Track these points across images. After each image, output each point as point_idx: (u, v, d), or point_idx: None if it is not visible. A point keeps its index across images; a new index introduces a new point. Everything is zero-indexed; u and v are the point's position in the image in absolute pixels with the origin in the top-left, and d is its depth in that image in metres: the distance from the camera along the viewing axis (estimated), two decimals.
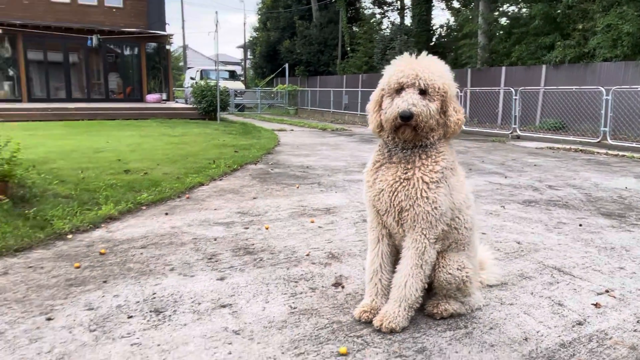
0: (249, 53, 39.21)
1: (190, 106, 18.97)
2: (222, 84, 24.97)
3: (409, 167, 2.08)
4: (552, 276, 2.79)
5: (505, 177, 6.23)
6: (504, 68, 15.99)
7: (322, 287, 2.60)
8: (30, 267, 2.80)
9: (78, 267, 2.80)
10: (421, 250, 2.11)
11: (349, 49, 26.53)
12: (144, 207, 4.32)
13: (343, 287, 2.60)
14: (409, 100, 1.97)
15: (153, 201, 4.49)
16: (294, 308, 2.33)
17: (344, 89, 22.25)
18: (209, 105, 17.43)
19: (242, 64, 44.52)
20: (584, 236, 3.59)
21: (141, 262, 2.92)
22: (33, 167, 4.88)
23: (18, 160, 4.20)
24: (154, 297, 2.41)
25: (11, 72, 20.28)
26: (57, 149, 8.00)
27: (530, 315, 2.29)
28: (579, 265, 2.96)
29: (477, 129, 13.78)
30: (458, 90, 2.18)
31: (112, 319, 2.17)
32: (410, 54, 2.12)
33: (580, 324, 2.22)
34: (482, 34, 17.61)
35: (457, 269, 2.20)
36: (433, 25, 24.19)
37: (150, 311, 2.25)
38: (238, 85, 26.66)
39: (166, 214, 4.13)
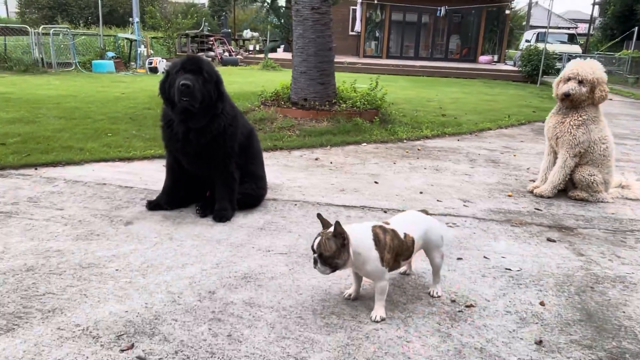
0: (595, 11, 36.22)
1: (516, 69, 20.54)
2: (559, 48, 25.10)
3: (565, 116, 4.17)
4: None
5: None
6: None
7: (522, 180, 4.87)
8: (387, 148, 6.01)
9: (407, 152, 5.84)
10: (564, 159, 4.20)
11: None
12: (446, 136, 7.12)
13: (533, 182, 4.81)
14: (570, 86, 4.06)
15: (452, 133, 7.24)
16: (500, 182, 4.74)
17: None
18: (533, 69, 18.63)
19: (593, 23, 41.23)
20: None
21: (435, 155, 5.76)
22: (392, 104, 8.26)
23: (386, 100, 7.58)
24: (436, 167, 5.21)
25: (377, 34, 25.92)
26: (403, 96, 11.57)
27: (631, 209, 4.07)
28: None
29: None
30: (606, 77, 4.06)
31: (418, 168, 5.09)
32: (583, 58, 4.13)
33: None
34: None
35: (588, 174, 4.18)
36: None
37: (434, 169, 5.07)
38: (575, 49, 26.04)
39: (458, 140, 6.83)
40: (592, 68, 4.06)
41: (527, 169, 5.33)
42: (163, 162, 3.89)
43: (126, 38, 15.80)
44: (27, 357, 1.87)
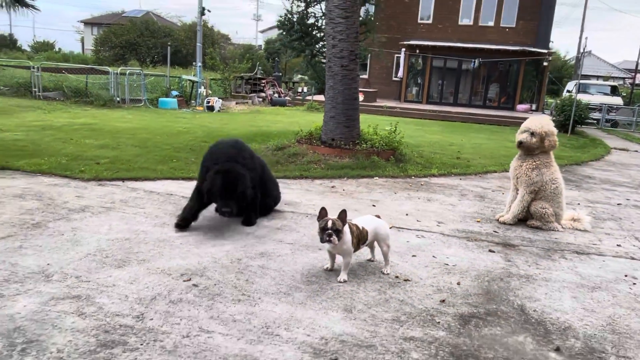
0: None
1: (550, 118, 21.30)
2: (600, 99, 25.74)
3: (523, 161, 5.33)
4: (612, 229, 5.24)
5: None
6: None
7: (496, 212, 5.98)
8: (395, 182, 7.26)
9: (410, 186, 7.07)
10: (522, 195, 5.34)
11: None
12: (452, 175, 8.28)
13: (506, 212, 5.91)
14: (522, 137, 5.26)
15: (458, 173, 8.40)
16: (477, 212, 5.88)
17: None
18: (566, 119, 19.40)
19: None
20: None
21: (433, 190, 6.95)
22: (406, 146, 9.53)
23: (402, 142, 8.87)
24: (429, 198, 6.40)
25: (419, 81, 27.41)
26: (428, 140, 12.81)
27: (574, 237, 5.12)
28: None
29: None
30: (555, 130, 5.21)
31: (413, 198, 6.31)
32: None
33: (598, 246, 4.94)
34: None
35: (540, 207, 5.28)
36: None
37: (426, 199, 6.27)
38: (616, 101, 26.48)
39: (460, 179, 7.99)
40: (542, 123, 5.25)
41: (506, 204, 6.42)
42: None
43: (189, 79, 18.00)
44: (130, 279, 3.26)
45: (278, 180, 6.58)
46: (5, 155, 6.74)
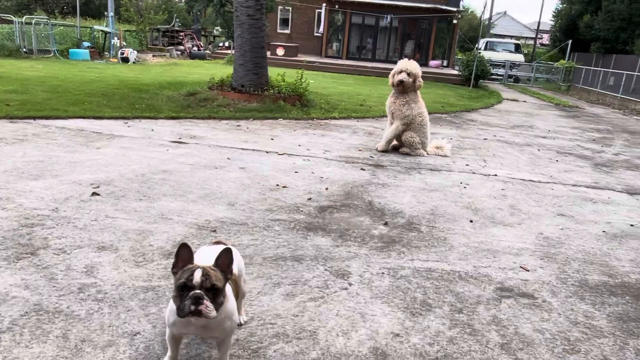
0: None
1: (457, 73, 23.00)
2: (505, 56, 27.93)
3: (396, 98, 6.32)
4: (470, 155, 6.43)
5: None
6: None
7: (376, 142, 6.98)
8: (297, 123, 8.07)
9: (310, 126, 7.91)
10: (397, 125, 6.35)
11: None
12: (352, 118, 9.21)
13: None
14: (403, 76, 6.21)
15: (357, 116, 9.35)
16: (361, 144, 6.85)
17: (636, 73, 21.34)
18: (470, 74, 21.08)
19: (545, 35, 44.44)
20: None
21: (329, 128, 7.83)
22: (313, 92, 10.34)
23: (309, 89, 9.65)
24: (323, 134, 7.29)
25: (339, 36, 28.13)
26: (340, 90, 13.70)
27: (433, 160, 6.23)
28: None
29: None
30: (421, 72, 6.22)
31: (309, 135, 7.16)
32: (409, 59, 6.29)
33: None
34: None
35: (410, 136, 6.34)
36: None
37: (320, 135, 7.15)
38: (517, 57, 28.83)
39: (357, 121, 8.94)
40: (414, 65, 6.24)
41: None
42: (125, 120, 5.82)
43: (101, 30, 17.51)
44: (45, 187, 3.84)
45: (187, 120, 7.23)
46: None
